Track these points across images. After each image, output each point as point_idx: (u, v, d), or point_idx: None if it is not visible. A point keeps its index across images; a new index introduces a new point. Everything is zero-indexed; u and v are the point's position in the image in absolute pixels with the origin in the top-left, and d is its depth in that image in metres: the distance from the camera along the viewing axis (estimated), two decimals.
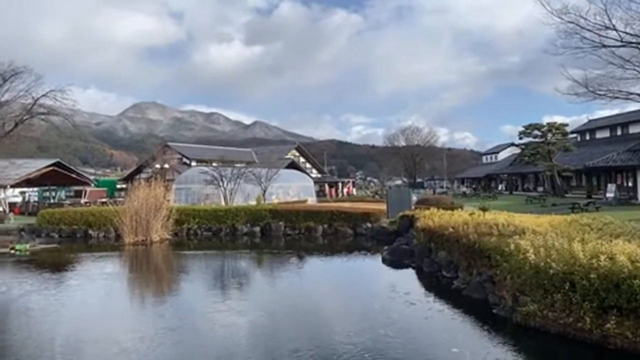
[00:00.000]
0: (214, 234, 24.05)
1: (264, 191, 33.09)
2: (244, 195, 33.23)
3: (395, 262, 15.26)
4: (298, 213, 24.40)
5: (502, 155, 73.80)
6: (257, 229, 23.98)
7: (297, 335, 8.59)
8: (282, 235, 23.31)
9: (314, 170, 65.02)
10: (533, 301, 8.07)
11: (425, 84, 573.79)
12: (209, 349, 7.93)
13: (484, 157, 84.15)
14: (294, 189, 39.05)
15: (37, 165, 34.72)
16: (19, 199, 40.34)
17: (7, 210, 32.87)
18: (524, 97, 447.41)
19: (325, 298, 11.93)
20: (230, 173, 32.36)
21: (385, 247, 16.95)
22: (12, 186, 33.91)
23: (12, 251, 19.29)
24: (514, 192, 58.37)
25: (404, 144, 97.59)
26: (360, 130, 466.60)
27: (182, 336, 8.60)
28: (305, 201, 34.86)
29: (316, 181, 50.78)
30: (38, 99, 26.51)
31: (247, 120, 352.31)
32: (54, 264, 17.83)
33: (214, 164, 38.52)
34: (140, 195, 22.00)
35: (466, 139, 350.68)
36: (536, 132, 47.43)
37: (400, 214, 20.98)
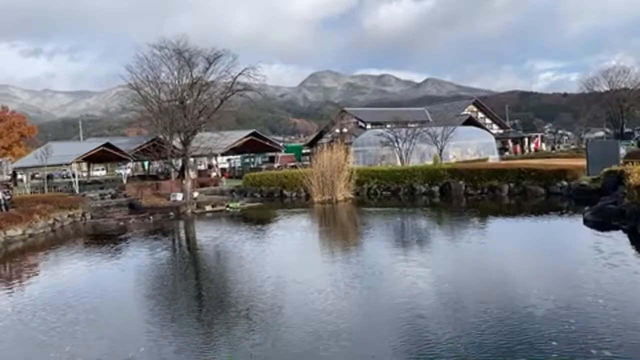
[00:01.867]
0: (393, 194, 24.59)
1: (440, 150, 32.25)
2: (420, 155, 32.95)
3: (600, 223, 13.42)
4: (480, 172, 23.14)
5: None
6: (436, 188, 23.63)
7: (483, 290, 8.34)
8: (463, 195, 22.51)
9: (495, 126, 60.36)
10: None
11: (632, 13, 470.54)
12: (394, 294, 8.30)
13: None
14: (473, 146, 37.00)
15: (238, 136, 40.10)
16: (226, 165, 47.60)
17: (220, 175, 39.12)
18: None
19: (516, 258, 11.23)
20: (404, 133, 32.38)
21: (587, 208, 14.98)
22: (222, 154, 40.00)
23: (227, 208, 23.05)
24: None
25: (606, 88, 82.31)
26: (548, 77, 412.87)
27: (369, 282, 9.20)
28: (485, 159, 32.84)
29: (497, 137, 47.17)
30: (236, 77, 30.19)
31: (418, 79, 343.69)
32: (259, 218, 20.72)
33: (388, 126, 38.91)
34: (323, 158, 23.74)
35: None
36: None
37: (605, 169, 18.16)
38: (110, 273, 12.07)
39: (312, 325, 7.07)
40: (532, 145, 54.26)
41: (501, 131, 59.32)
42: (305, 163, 39.33)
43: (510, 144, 51.78)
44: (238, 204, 23.76)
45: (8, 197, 21.32)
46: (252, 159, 45.53)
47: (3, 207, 20.31)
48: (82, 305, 9.01)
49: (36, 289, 10.73)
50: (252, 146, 42.28)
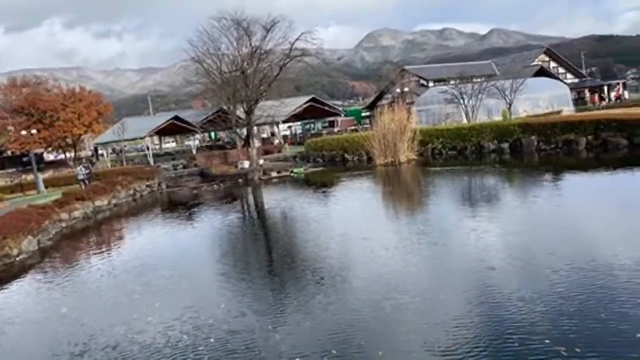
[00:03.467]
0: (459, 153, 23.83)
1: (510, 105, 30.55)
2: (487, 112, 31.53)
3: None
4: (554, 125, 21.73)
5: None
6: (506, 145, 22.55)
7: (555, 245, 7.89)
8: (536, 151, 21.35)
9: (569, 76, 55.95)
10: None
11: None
12: (461, 249, 8.19)
13: None
14: (545, 99, 34.71)
15: (298, 103, 40.40)
16: (288, 132, 48.30)
17: (283, 142, 39.86)
18: None
19: (595, 215, 10.49)
20: (470, 89, 30.95)
21: None
22: (283, 122, 40.62)
23: (292, 174, 23.61)
24: None
25: None
26: (631, 18, 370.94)
27: (436, 238, 9.22)
28: (559, 112, 30.77)
29: (572, 88, 43.85)
30: (294, 43, 30.15)
31: (483, 30, 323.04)
32: (323, 182, 21.05)
33: (452, 82, 37.31)
34: (385, 120, 23.39)
35: None
36: None
37: None
38: (189, 236, 12.98)
39: (380, 280, 7.25)
40: (613, 94, 49.86)
41: (576, 81, 54.94)
42: (365, 126, 38.98)
43: (588, 93, 47.91)
44: (302, 170, 24.23)
45: (88, 171, 23.15)
46: (313, 125, 45.79)
47: (87, 182, 22.14)
48: (167, 265, 9.82)
49: (127, 252, 11.82)
50: (312, 112, 42.46)
